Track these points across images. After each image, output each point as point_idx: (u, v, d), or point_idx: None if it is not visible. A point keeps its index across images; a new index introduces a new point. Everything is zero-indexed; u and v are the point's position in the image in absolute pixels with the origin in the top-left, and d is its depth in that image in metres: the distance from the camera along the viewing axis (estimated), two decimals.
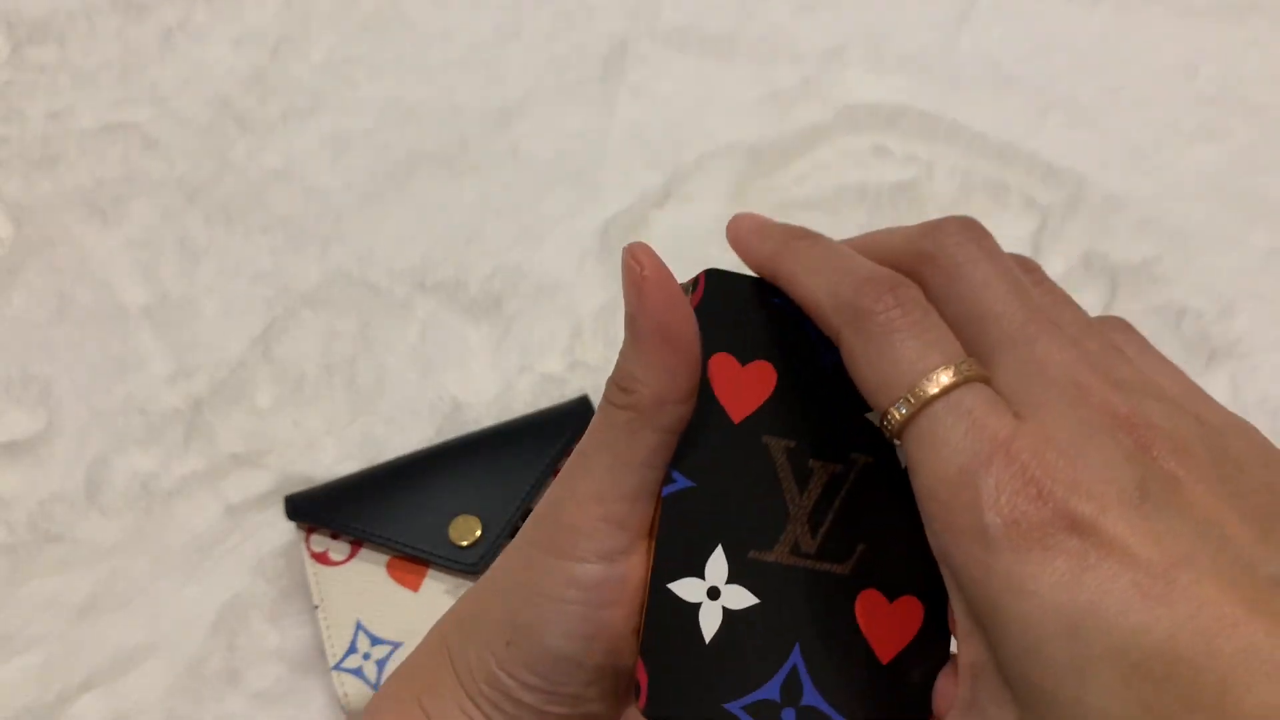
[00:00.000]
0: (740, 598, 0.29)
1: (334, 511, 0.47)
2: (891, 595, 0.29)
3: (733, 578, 0.29)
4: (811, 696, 0.28)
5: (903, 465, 0.29)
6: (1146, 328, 0.57)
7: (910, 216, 0.58)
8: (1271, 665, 0.19)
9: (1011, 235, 0.57)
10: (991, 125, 0.59)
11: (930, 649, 0.28)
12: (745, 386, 0.29)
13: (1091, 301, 0.55)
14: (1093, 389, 0.23)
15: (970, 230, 0.27)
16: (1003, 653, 0.22)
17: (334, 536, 0.48)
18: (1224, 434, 0.23)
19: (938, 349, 0.23)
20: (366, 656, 0.46)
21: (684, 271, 0.57)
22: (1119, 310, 0.55)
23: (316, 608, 0.47)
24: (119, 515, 0.54)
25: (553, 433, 0.49)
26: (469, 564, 0.47)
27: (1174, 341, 0.54)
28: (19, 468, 0.55)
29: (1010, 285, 0.25)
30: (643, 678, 0.28)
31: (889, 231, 0.29)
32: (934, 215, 0.61)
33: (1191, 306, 0.55)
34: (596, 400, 0.47)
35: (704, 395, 0.29)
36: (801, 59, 0.62)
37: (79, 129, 0.62)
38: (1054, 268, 0.56)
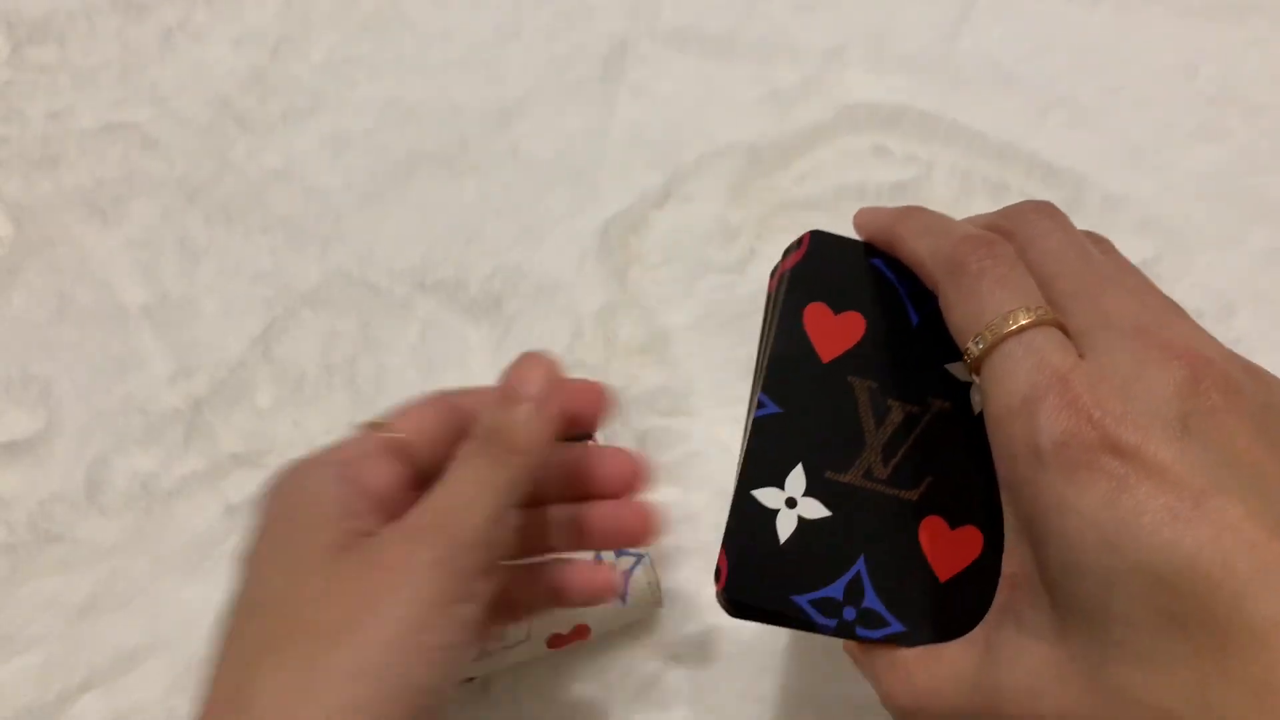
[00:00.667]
0: (814, 509, 0.32)
1: None
2: (954, 523, 0.32)
3: (809, 491, 0.33)
4: (872, 600, 0.32)
5: (976, 412, 0.32)
6: None
7: None
8: None
9: None
10: (991, 125, 0.59)
11: (987, 575, 0.30)
12: (836, 332, 0.34)
13: None
14: (1151, 331, 0.26)
15: (1045, 208, 0.32)
16: (1044, 563, 0.25)
17: None
18: (1271, 388, 0.26)
19: (1019, 295, 0.27)
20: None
21: (683, 273, 0.58)
22: None
23: None
24: (119, 515, 0.54)
25: None
26: None
27: None
28: (19, 467, 0.55)
29: (1079, 251, 0.29)
30: (724, 565, 0.32)
31: (972, 218, 0.33)
32: None
33: (1191, 306, 0.54)
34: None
35: (798, 337, 0.34)
36: (801, 59, 0.62)
37: (79, 129, 0.62)
38: None
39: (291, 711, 0.28)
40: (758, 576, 0.32)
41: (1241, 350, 0.53)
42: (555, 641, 0.46)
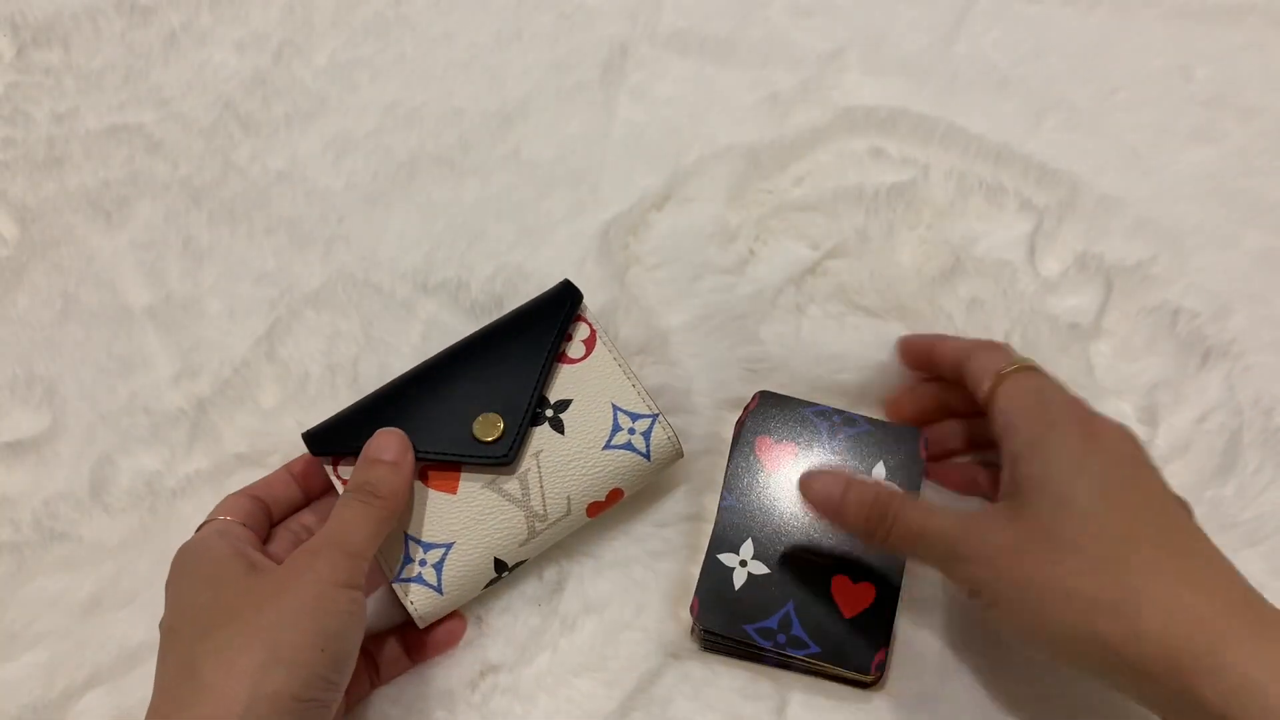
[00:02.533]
0: (759, 568, 0.49)
1: (356, 438, 0.47)
2: (856, 580, 0.49)
3: (756, 556, 0.49)
4: (798, 630, 0.48)
5: None
6: (1142, 328, 0.57)
7: (907, 218, 0.58)
8: None
9: (1008, 237, 0.57)
10: (988, 127, 0.60)
11: (877, 616, 0.48)
12: (776, 454, 0.51)
13: (1087, 302, 0.56)
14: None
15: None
16: (1020, 453, 0.42)
17: None
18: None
19: (1013, 358, 0.46)
20: (423, 563, 0.48)
21: (684, 270, 0.58)
22: (1115, 310, 0.56)
23: None
24: (123, 514, 0.54)
25: (546, 318, 0.50)
26: (500, 456, 0.48)
27: (1169, 342, 0.55)
28: (24, 467, 0.55)
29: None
30: (696, 603, 0.48)
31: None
32: (930, 218, 0.61)
33: (1186, 307, 0.55)
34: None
35: (750, 454, 0.51)
36: (800, 62, 0.62)
37: (84, 131, 0.62)
38: (1049, 269, 0.57)
39: (230, 664, 0.38)
40: (719, 611, 0.48)
41: (1236, 351, 0.54)
42: (594, 509, 0.50)
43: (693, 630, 0.50)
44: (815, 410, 0.52)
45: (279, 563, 0.46)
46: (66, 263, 0.59)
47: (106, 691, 0.51)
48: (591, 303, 0.57)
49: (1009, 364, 0.45)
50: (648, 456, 0.50)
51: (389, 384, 0.50)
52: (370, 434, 0.47)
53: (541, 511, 0.49)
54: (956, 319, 0.56)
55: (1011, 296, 0.56)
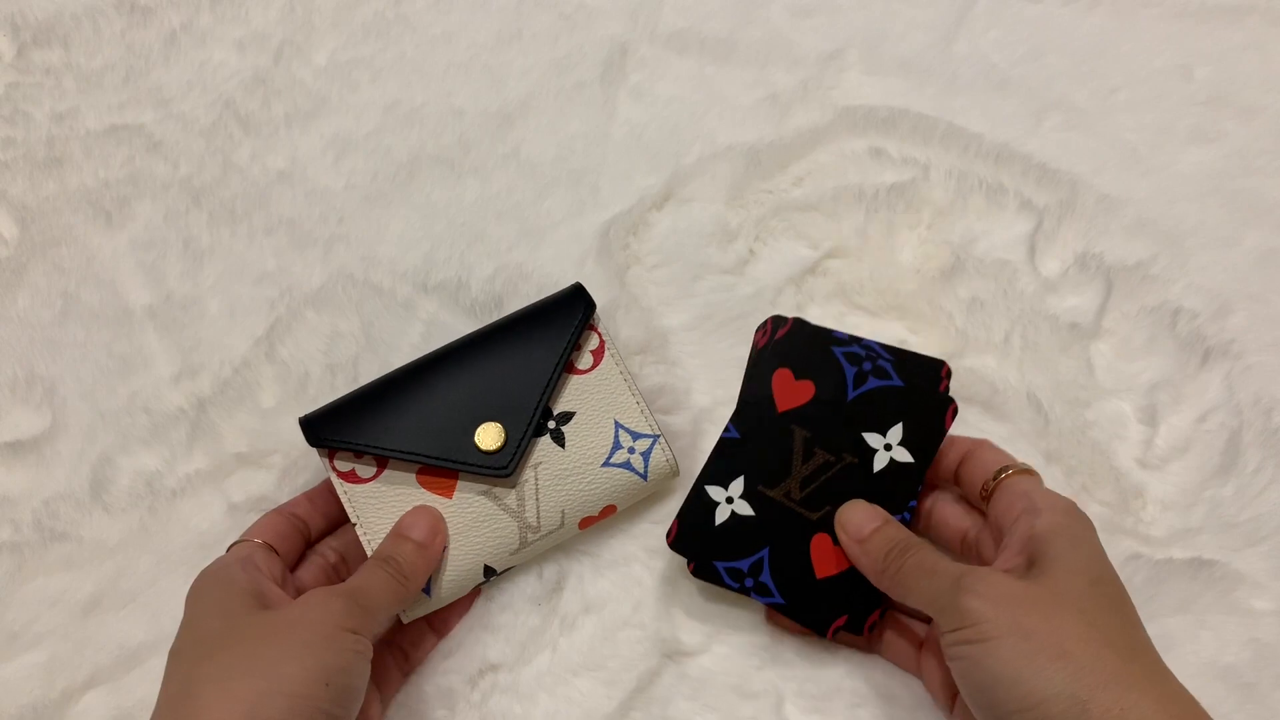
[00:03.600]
0: (744, 508, 0.48)
1: (355, 431, 0.47)
2: (837, 542, 0.46)
3: (744, 495, 0.48)
4: (766, 578, 0.47)
5: (875, 471, 0.47)
6: (1141, 328, 0.57)
7: (907, 218, 0.58)
8: None
9: (1008, 237, 0.57)
10: (988, 127, 0.60)
11: (848, 582, 0.46)
12: (792, 391, 0.48)
13: (1087, 302, 0.56)
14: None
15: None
16: (1042, 533, 0.43)
17: (357, 456, 0.48)
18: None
19: (1012, 460, 0.47)
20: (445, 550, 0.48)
21: (684, 270, 0.58)
22: (1114, 310, 0.56)
23: (355, 525, 0.48)
24: (123, 514, 0.54)
25: (558, 324, 0.50)
26: (501, 468, 0.48)
27: (1169, 342, 0.55)
28: (24, 466, 0.55)
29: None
30: (674, 527, 0.48)
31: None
32: (930, 217, 0.61)
33: (1186, 307, 0.55)
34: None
35: (765, 389, 0.48)
36: (800, 62, 0.62)
37: (84, 131, 0.62)
38: (1049, 268, 0.57)
39: (229, 690, 0.38)
40: (694, 541, 0.48)
41: (1236, 351, 0.54)
42: (585, 523, 0.50)
43: (670, 544, 0.49)
44: (845, 351, 0.48)
45: (305, 590, 0.47)
46: (66, 263, 0.59)
47: (106, 691, 0.51)
48: None
49: (1018, 463, 0.46)
50: (645, 477, 0.50)
51: (390, 374, 0.49)
52: (368, 426, 0.47)
53: (535, 524, 0.49)
54: (956, 319, 0.56)
55: (1011, 296, 0.56)
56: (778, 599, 0.46)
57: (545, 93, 0.62)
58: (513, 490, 0.48)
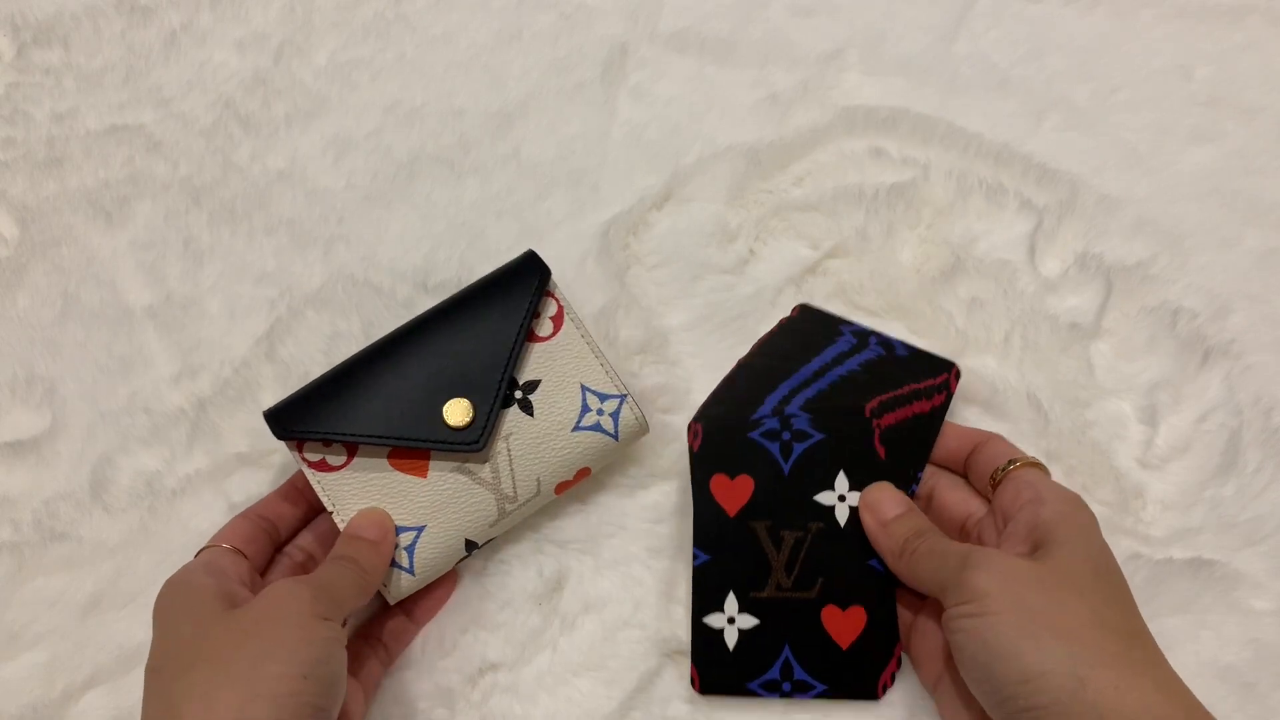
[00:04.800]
0: (748, 621, 0.47)
1: (321, 420, 0.47)
2: (844, 606, 0.47)
3: (741, 609, 0.47)
4: (800, 674, 0.47)
5: (841, 526, 0.47)
6: (1141, 328, 0.57)
7: (907, 218, 0.58)
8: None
9: (1008, 237, 0.57)
10: (988, 127, 0.60)
11: (874, 638, 0.47)
12: (735, 492, 0.48)
13: (1087, 302, 0.56)
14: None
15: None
16: (1049, 521, 0.43)
17: (326, 444, 0.48)
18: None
19: (1022, 455, 0.48)
20: (396, 545, 0.48)
21: (684, 270, 0.58)
22: (1114, 310, 0.56)
23: (332, 512, 0.48)
24: (123, 514, 0.54)
25: (514, 294, 0.49)
26: (471, 443, 0.47)
27: (1169, 342, 0.55)
28: (24, 467, 0.55)
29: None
30: (694, 674, 0.48)
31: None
32: (930, 217, 0.61)
33: (1186, 307, 0.55)
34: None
35: (709, 502, 0.48)
36: (800, 62, 0.62)
37: (84, 131, 0.62)
38: (1050, 268, 0.57)
39: (211, 702, 0.38)
40: (719, 677, 0.48)
41: (1236, 351, 0.54)
42: (561, 488, 0.50)
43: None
44: (761, 432, 0.48)
45: None
46: (66, 263, 0.59)
47: (106, 691, 0.51)
48: (591, 302, 0.57)
49: (1026, 456, 0.47)
50: (616, 436, 0.50)
51: (350, 359, 0.49)
52: (333, 413, 0.47)
53: (512, 494, 0.49)
54: (957, 319, 0.56)
55: (1011, 296, 0.56)
56: (819, 687, 0.47)
57: (545, 93, 0.62)
58: (486, 464, 0.48)
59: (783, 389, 0.50)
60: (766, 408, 0.49)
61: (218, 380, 0.56)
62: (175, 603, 0.43)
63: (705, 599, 0.48)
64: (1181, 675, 0.39)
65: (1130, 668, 0.38)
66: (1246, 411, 0.53)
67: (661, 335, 0.56)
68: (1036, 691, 0.38)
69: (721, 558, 0.48)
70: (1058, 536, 0.42)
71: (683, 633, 0.51)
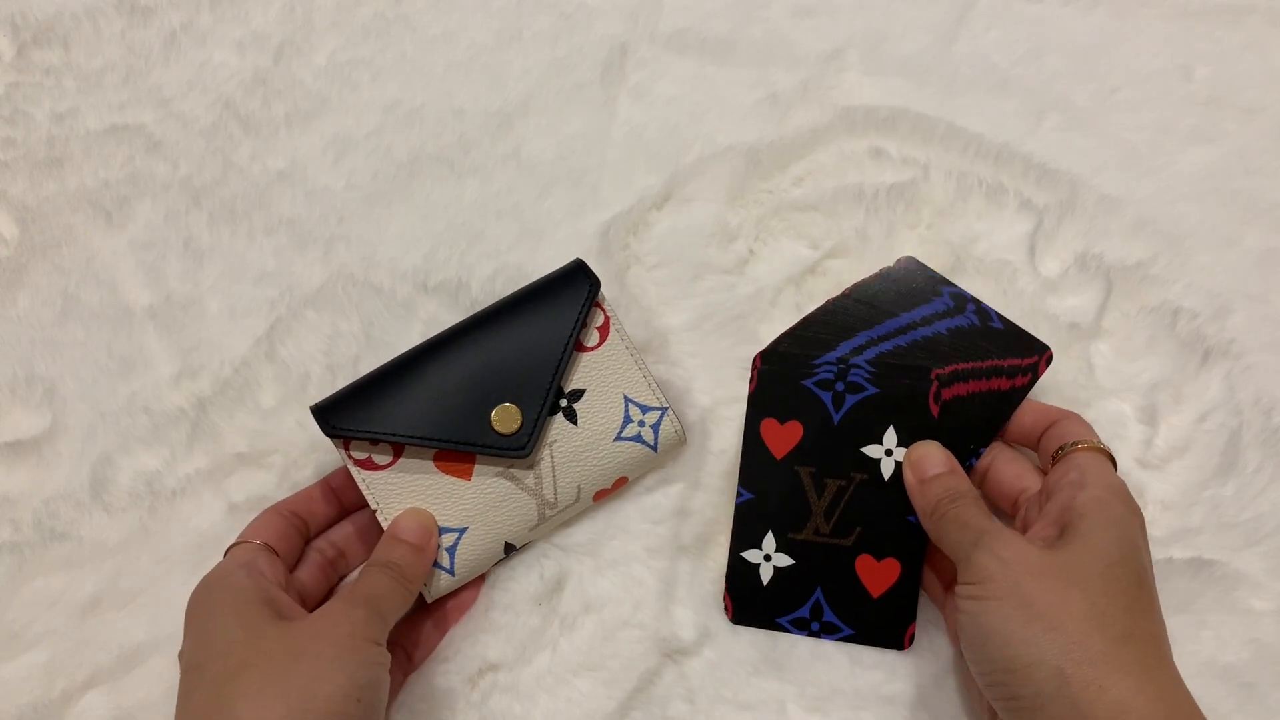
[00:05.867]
0: (783, 560, 0.49)
1: (369, 419, 0.47)
2: (879, 557, 0.48)
3: (779, 548, 0.49)
4: (830, 616, 0.49)
5: (886, 479, 0.48)
6: (1142, 328, 0.57)
7: (907, 218, 0.58)
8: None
9: (1008, 237, 0.57)
10: (988, 127, 0.60)
11: (905, 590, 0.48)
12: (783, 437, 0.49)
13: (1087, 302, 0.56)
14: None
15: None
16: (1084, 507, 0.43)
17: (373, 443, 0.48)
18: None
19: (1090, 438, 0.47)
20: (438, 547, 0.48)
21: (684, 270, 0.58)
22: (1115, 310, 0.56)
23: (376, 511, 0.48)
24: (123, 514, 0.54)
25: (564, 302, 0.50)
26: (519, 449, 0.48)
27: (1169, 342, 0.55)
28: (24, 467, 0.55)
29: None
30: (728, 601, 0.50)
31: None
32: (930, 217, 0.62)
33: (1186, 307, 0.55)
34: (594, 263, 0.51)
35: (758, 444, 0.49)
36: (800, 62, 0.62)
37: (84, 131, 0.62)
38: (1049, 269, 0.57)
39: (265, 711, 0.39)
40: (751, 608, 0.50)
41: (1236, 351, 0.54)
42: (599, 496, 0.51)
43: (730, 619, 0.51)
44: (816, 380, 0.49)
45: (306, 591, 0.48)
46: (66, 263, 0.59)
47: (106, 691, 0.51)
48: None
49: (1097, 440, 0.47)
50: (655, 448, 0.51)
51: (397, 358, 0.49)
52: (382, 412, 0.47)
53: (553, 500, 0.49)
54: None
55: (1011, 296, 0.56)
56: (846, 631, 0.48)
57: (545, 93, 0.62)
58: (530, 470, 0.49)
59: (860, 338, 0.51)
60: (834, 354, 0.50)
61: (218, 380, 0.56)
62: (220, 603, 0.44)
63: (744, 535, 0.49)
64: (1182, 675, 0.39)
65: (1116, 668, 0.38)
66: (1246, 411, 0.53)
67: (661, 335, 0.56)
68: (1021, 682, 0.39)
69: (764, 498, 0.49)
70: (1083, 524, 0.42)
71: (683, 633, 0.51)
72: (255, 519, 0.49)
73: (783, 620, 0.49)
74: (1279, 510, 0.51)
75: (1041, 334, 0.55)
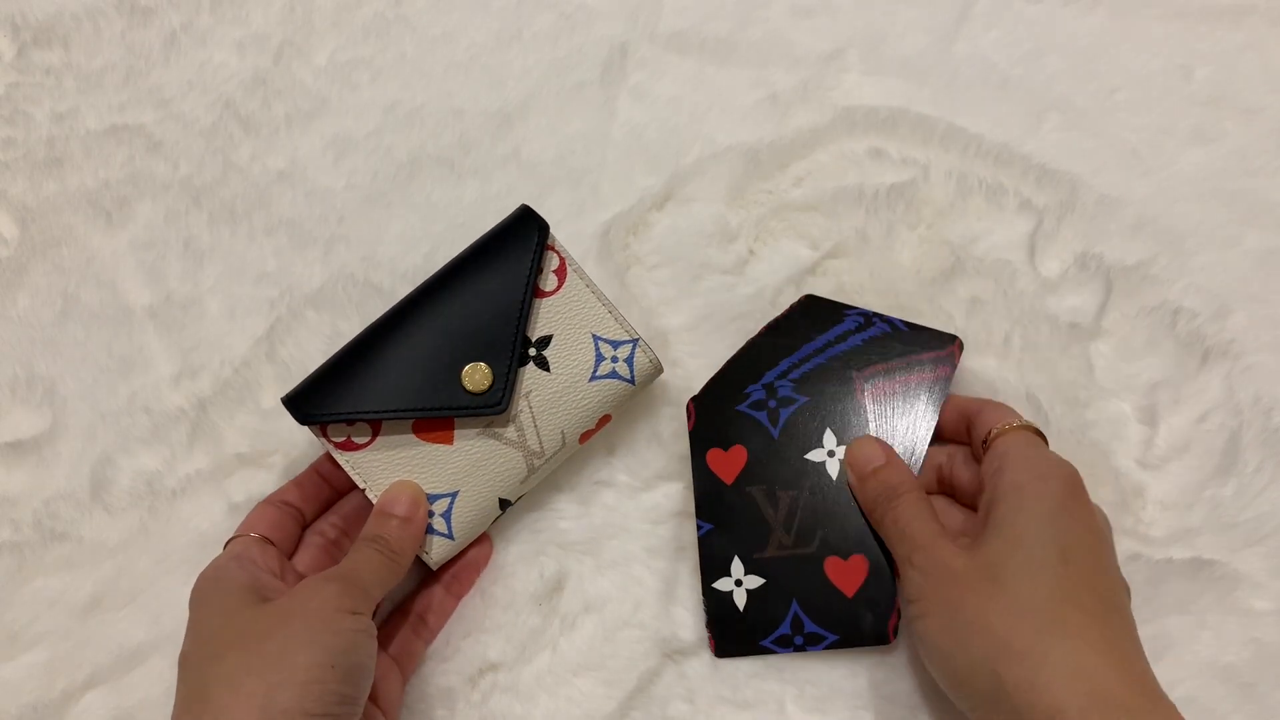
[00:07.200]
0: (755, 581, 0.49)
1: (340, 401, 0.47)
2: (845, 556, 0.48)
3: (748, 570, 0.49)
4: (811, 626, 0.48)
5: (835, 480, 0.49)
6: (1141, 328, 0.57)
7: (907, 218, 0.58)
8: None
9: (1008, 237, 0.57)
10: (988, 128, 0.60)
11: (878, 583, 0.48)
12: (730, 462, 0.51)
13: (1087, 302, 0.56)
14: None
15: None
16: (1000, 494, 0.43)
17: (349, 424, 0.48)
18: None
19: (1022, 419, 0.47)
20: (432, 514, 0.48)
21: (684, 270, 0.58)
22: (1115, 310, 0.56)
23: (364, 489, 0.48)
24: (123, 514, 0.54)
25: (515, 251, 0.49)
26: (493, 405, 0.48)
27: (1168, 342, 0.55)
28: (25, 467, 0.55)
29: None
30: (710, 636, 0.50)
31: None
32: (930, 217, 0.62)
33: (1186, 307, 0.55)
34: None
35: (707, 475, 0.50)
36: (800, 62, 0.62)
37: (84, 131, 0.62)
38: (1049, 269, 0.57)
39: (238, 687, 0.39)
40: (733, 638, 0.49)
41: (1236, 351, 0.54)
42: (585, 437, 0.52)
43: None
44: (749, 404, 0.51)
45: (305, 576, 0.48)
46: (66, 263, 0.59)
47: (106, 691, 0.51)
48: None
49: (1018, 421, 0.46)
50: (632, 381, 0.51)
51: (358, 336, 0.49)
52: (352, 392, 0.47)
53: (538, 449, 0.50)
54: (956, 319, 0.56)
55: (1011, 296, 0.56)
56: (831, 638, 0.48)
57: (545, 93, 0.62)
58: (510, 423, 0.49)
59: (783, 365, 0.52)
60: (762, 381, 0.51)
61: (218, 380, 0.56)
62: (207, 595, 0.45)
63: (712, 566, 0.50)
64: (1181, 675, 0.40)
65: (1041, 663, 0.37)
66: (1246, 411, 0.53)
67: (661, 335, 0.56)
68: (967, 695, 0.39)
69: (723, 525, 0.50)
70: (997, 515, 0.42)
71: (683, 633, 0.51)
72: (249, 514, 0.49)
73: (766, 643, 0.49)
74: (1279, 510, 0.51)
75: (1042, 334, 0.55)
